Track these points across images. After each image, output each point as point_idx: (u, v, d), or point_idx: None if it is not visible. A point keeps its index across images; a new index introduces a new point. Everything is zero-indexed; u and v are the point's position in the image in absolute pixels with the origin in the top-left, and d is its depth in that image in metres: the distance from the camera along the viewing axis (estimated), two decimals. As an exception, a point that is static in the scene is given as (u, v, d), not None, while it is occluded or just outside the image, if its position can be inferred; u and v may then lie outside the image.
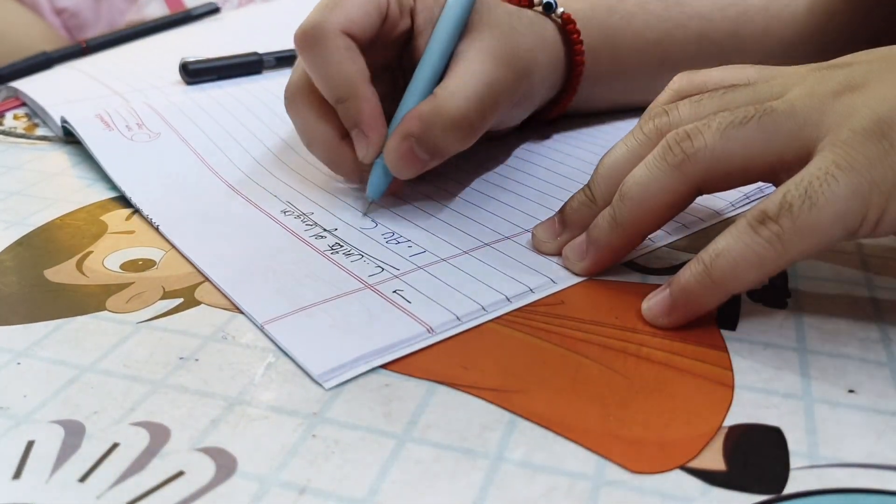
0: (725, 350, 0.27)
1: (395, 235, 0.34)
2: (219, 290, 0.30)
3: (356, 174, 0.37)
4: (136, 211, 0.37)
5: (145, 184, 0.39)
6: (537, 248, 0.33)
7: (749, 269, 0.25)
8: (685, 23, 0.46)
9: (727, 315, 0.29)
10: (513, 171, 0.40)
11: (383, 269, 0.31)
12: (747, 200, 0.36)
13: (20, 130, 0.49)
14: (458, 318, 0.28)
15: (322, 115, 0.36)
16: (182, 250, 0.33)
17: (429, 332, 0.27)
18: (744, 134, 0.27)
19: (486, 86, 0.34)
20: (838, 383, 0.25)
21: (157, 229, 0.35)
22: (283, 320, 0.28)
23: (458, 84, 0.34)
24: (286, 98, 0.38)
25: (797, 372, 0.26)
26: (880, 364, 0.26)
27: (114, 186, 0.40)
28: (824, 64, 0.29)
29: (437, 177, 0.39)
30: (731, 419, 0.24)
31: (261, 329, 0.28)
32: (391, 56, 0.38)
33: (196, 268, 0.32)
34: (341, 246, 0.33)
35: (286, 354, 0.27)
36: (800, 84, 0.28)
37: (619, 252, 0.30)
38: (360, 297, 0.29)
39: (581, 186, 0.32)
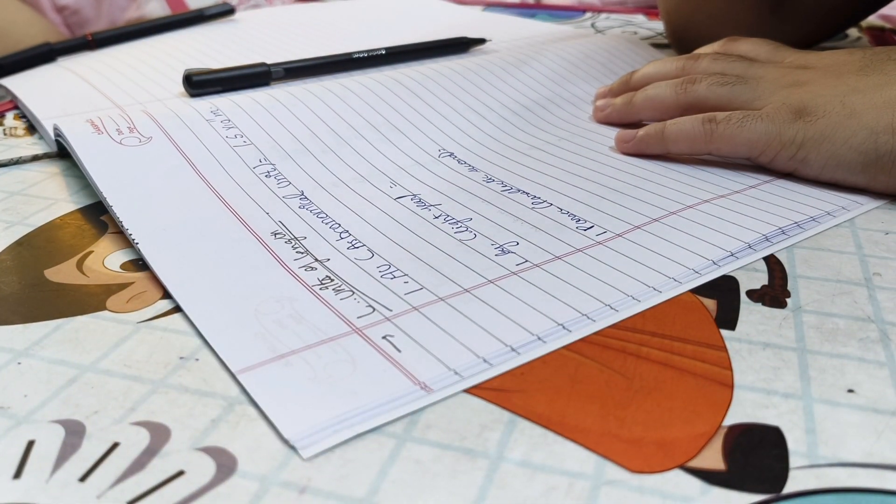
0: (725, 350, 0.27)
1: (391, 269, 0.31)
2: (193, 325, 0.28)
3: None
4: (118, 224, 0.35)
5: (130, 192, 0.36)
6: (595, 110, 0.48)
7: (684, 140, 0.40)
8: None
9: (726, 315, 0.29)
10: (523, 195, 0.40)
11: (374, 310, 0.28)
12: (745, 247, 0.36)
13: (20, 131, 0.49)
14: (456, 372, 0.25)
15: None
16: (159, 275, 0.31)
17: (423, 389, 0.24)
18: (720, 91, 0.42)
19: None
20: (837, 383, 0.25)
21: (135, 246, 0.33)
22: (258, 369, 0.25)
23: None
24: None
25: (796, 372, 0.26)
26: (879, 364, 0.26)
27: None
28: (794, 63, 0.42)
29: (437, 203, 0.39)
30: (731, 419, 0.24)
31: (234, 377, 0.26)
32: None
33: (172, 296, 0.30)
34: (331, 280, 0.30)
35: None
36: (772, 73, 0.42)
37: (623, 118, 0.47)
38: (346, 343, 0.26)
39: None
